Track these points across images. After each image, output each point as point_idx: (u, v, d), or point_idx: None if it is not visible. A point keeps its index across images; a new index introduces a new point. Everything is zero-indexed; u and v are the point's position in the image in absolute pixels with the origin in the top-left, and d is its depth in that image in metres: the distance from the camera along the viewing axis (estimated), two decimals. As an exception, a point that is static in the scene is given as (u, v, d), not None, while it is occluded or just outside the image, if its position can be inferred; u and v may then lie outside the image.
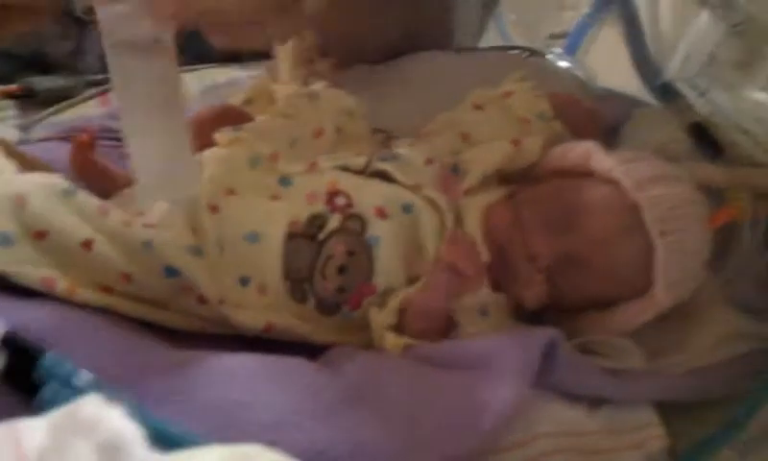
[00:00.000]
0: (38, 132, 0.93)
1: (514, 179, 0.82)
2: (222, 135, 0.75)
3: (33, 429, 0.35)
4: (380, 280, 0.71)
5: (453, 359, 0.65)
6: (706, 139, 0.95)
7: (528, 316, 0.76)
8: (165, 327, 0.68)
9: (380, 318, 0.69)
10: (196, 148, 0.67)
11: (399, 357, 0.66)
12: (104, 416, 0.33)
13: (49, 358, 0.48)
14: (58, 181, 0.66)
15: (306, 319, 0.70)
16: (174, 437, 0.46)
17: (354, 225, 0.71)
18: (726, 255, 0.82)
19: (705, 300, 0.77)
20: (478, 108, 0.86)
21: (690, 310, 0.75)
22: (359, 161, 0.76)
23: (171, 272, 0.66)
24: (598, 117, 0.91)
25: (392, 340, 0.68)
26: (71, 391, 0.47)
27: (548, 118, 0.86)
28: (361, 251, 0.71)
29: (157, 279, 0.66)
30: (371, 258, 0.71)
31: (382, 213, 0.72)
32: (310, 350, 0.68)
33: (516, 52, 1.22)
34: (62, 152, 0.77)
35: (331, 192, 0.72)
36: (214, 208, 0.69)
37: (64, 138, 0.84)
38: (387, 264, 0.71)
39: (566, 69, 1.23)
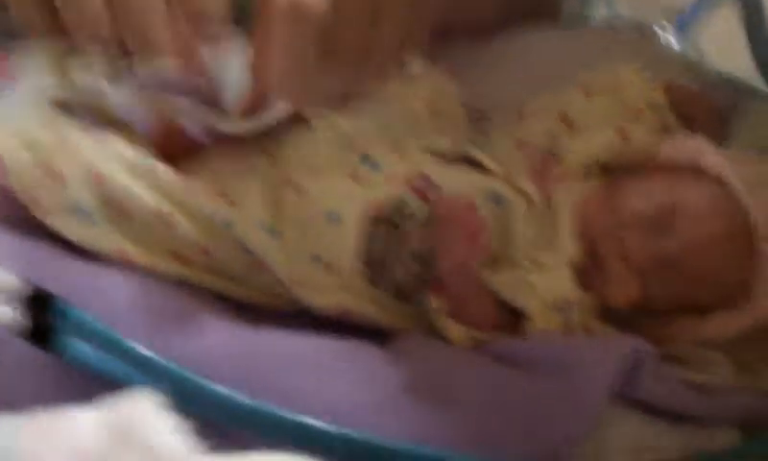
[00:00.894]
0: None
1: (617, 173, 0.77)
2: (311, 113, 0.71)
3: (84, 424, 0.34)
4: None
5: (530, 360, 0.62)
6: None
7: (613, 318, 0.71)
8: (242, 303, 0.67)
9: (436, 302, 0.66)
10: None
11: (472, 353, 0.63)
12: (157, 427, 0.32)
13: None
14: (137, 153, 0.65)
15: (382, 304, 0.68)
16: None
17: None
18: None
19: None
20: (587, 93, 0.81)
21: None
22: (448, 145, 0.72)
23: (248, 250, 0.65)
24: (716, 114, 0.84)
25: (455, 331, 0.65)
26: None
27: (662, 109, 0.80)
28: None
29: (236, 255, 0.65)
30: None
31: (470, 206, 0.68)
32: (384, 334, 0.66)
33: (623, 26, 1.15)
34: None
35: (418, 177, 0.69)
36: (298, 187, 0.67)
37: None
38: None
39: (676, 51, 1.16)
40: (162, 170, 0.65)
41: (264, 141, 0.70)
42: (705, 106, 0.83)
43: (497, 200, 0.69)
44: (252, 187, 0.67)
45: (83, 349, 0.52)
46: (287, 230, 0.66)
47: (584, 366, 0.59)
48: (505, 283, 0.67)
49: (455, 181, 0.69)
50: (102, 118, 0.66)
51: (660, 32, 1.21)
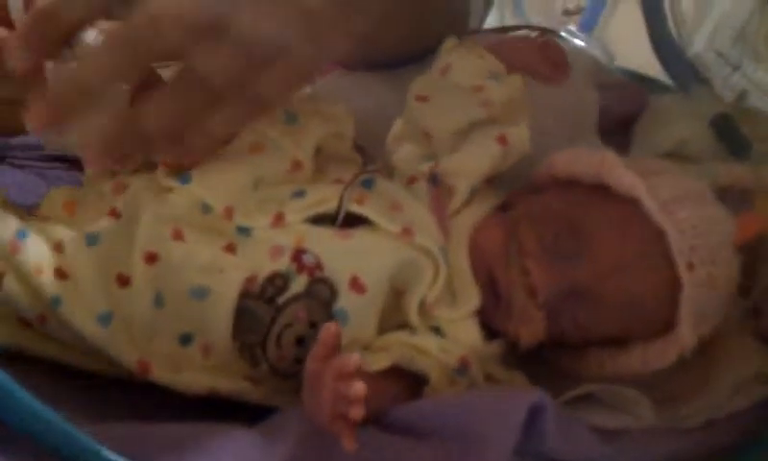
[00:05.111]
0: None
1: (506, 181, 0.68)
2: (164, 182, 0.60)
3: None
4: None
5: (423, 424, 0.53)
6: (731, 133, 0.82)
7: (523, 355, 0.62)
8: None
9: None
10: None
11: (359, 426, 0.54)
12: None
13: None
14: None
15: (259, 382, 0.58)
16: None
17: (322, 291, 0.57)
18: (752, 275, 0.68)
19: (726, 333, 0.63)
20: (423, 99, 0.69)
21: (708, 348, 0.61)
22: (331, 204, 0.60)
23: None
24: (555, 50, 0.71)
25: None
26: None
27: (503, 76, 0.69)
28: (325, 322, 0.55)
29: (72, 333, 0.56)
30: None
31: (357, 285, 0.57)
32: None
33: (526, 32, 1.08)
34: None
35: (299, 249, 0.58)
36: (152, 258, 0.57)
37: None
38: (354, 338, 0.57)
39: (580, 49, 1.09)
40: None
41: (110, 198, 0.60)
42: (541, 48, 0.71)
43: (391, 276, 0.58)
44: (91, 255, 0.57)
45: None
46: (136, 307, 0.56)
47: (482, 427, 0.51)
48: (400, 349, 0.58)
49: (341, 257, 0.58)
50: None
51: (568, 37, 1.16)
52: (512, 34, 0.96)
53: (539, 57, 0.69)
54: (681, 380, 0.62)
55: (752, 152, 0.80)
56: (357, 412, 0.47)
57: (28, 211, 0.62)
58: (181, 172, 0.60)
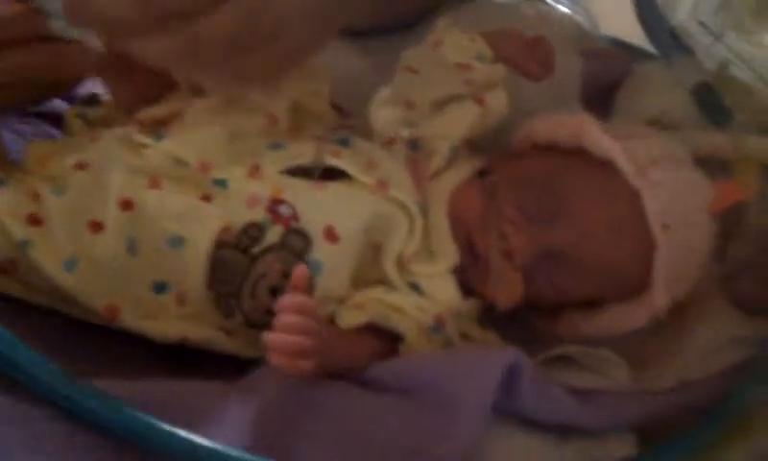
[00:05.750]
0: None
1: (485, 145, 0.68)
2: (137, 139, 0.60)
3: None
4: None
5: (399, 383, 0.53)
6: (712, 102, 0.82)
7: (498, 316, 0.63)
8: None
9: None
10: None
11: (338, 382, 0.54)
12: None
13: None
14: None
15: (232, 332, 0.58)
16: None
17: (297, 242, 0.57)
18: (727, 241, 0.69)
19: (700, 297, 0.64)
20: (412, 70, 0.69)
21: (682, 311, 0.62)
22: (309, 158, 0.61)
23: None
24: (544, 49, 0.70)
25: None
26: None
27: (489, 60, 0.69)
28: None
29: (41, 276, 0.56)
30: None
31: (332, 235, 0.58)
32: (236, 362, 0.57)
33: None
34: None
35: (275, 199, 0.58)
36: (127, 204, 0.56)
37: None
38: (327, 290, 0.58)
39: (565, 16, 1.08)
40: None
41: (85, 148, 0.60)
42: (529, 47, 0.70)
43: (367, 227, 0.59)
44: (61, 203, 0.56)
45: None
46: (108, 253, 0.56)
47: (458, 386, 0.52)
48: (376, 305, 0.58)
49: (316, 206, 0.58)
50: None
51: (553, 2, 1.15)
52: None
53: (527, 53, 0.69)
54: (654, 343, 0.63)
55: (732, 122, 0.80)
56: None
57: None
58: (155, 129, 0.60)
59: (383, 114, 0.67)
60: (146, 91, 0.63)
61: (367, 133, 0.66)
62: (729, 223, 0.68)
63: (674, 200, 0.61)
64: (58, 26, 0.57)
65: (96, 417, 0.45)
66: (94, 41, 0.57)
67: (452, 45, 0.69)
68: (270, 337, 0.50)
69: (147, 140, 0.59)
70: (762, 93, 0.85)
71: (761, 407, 0.59)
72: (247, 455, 0.44)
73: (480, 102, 0.66)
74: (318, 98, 0.67)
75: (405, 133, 0.65)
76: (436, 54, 0.69)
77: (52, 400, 0.45)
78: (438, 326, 0.58)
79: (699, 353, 0.61)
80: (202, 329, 0.58)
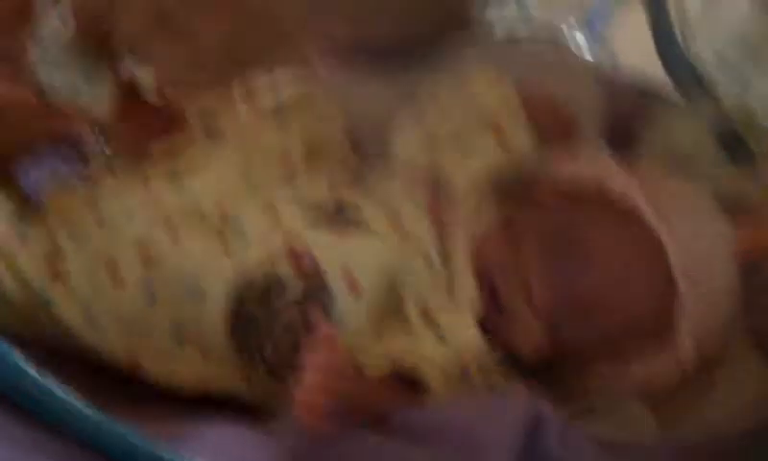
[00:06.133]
0: None
1: (512, 199, 0.68)
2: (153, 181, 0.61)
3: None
4: None
5: (423, 431, 0.53)
6: (736, 144, 0.81)
7: (526, 372, 0.62)
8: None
9: None
10: None
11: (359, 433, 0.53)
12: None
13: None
14: None
15: (255, 382, 0.59)
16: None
17: (319, 294, 0.57)
18: (756, 292, 0.68)
19: (730, 350, 0.63)
20: (438, 101, 0.70)
21: (711, 366, 0.62)
22: (327, 202, 0.61)
23: None
24: (574, 127, 0.72)
25: None
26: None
27: (520, 122, 0.68)
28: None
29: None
30: None
31: (354, 286, 0.58)
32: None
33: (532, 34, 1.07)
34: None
35: (296, 251, 0.58)
36: (144, 255, 0.57)
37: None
38: (351, 341, 0.57)
39: (581, 58, 1.08)
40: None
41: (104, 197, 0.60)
42: (562, 118, 0.72)
43: (388, 278, 0.59)
44: (83, 257, 0.57)
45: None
46: (127, 305, 0.57)
47: (482, 438, 0.52)
48: (401, 355, 0.58)
49: (337, 255, 0.58)
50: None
51: (569, 33, 1.15)
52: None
53: (559, 129, 0.69)
54: (684, 396, 0.62)
55: (756, 164, 0.80)
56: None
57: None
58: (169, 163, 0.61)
59: (404, 154, 0.67)
60: (153, 127, 0.63)
61: (387, 174, 0.66)
62: (753, 272, 0.68)
63: (697, 249, 0.60)
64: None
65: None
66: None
67: (484, 93, 0.69)
68: (299, 396, 0.49)
69: (164, 184, 0.60)
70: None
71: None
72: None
73: (498, 133, 0.67)
74: (327, 128, 0.68)
75: (425, 172, 0.65)
76: (465, 93, 0.69)
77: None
78: (463, 375, 0.58)
79: (734, 409, 0.60)
80: (223, 380, 0.58)
